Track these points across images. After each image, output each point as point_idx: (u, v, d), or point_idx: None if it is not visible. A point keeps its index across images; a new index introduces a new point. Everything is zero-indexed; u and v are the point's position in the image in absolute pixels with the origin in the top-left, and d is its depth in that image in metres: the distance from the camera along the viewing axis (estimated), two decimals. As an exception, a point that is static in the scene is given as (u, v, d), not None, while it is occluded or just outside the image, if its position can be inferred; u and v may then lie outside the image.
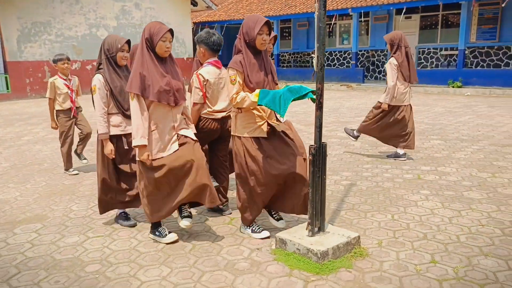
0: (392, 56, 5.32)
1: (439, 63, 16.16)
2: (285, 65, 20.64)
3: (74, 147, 5.37)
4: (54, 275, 2.71)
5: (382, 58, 17.52)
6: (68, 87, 5.17)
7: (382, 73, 17.65)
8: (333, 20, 17.83)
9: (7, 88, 14.18)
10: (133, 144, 2.95)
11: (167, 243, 3.12)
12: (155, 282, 2.60)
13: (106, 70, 3.35)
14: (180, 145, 3.01)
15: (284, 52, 20.68)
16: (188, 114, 3.26)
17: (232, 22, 19.80)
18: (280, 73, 16.94)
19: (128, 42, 3.40)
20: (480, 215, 3.58)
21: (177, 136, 3.03)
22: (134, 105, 2.92)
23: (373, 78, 17.92)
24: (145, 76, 2.89)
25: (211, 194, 2.97)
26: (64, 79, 5.17)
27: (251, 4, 20.89)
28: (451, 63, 15.83)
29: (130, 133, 3.18)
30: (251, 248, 3.03)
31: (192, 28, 19.48)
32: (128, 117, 3.32)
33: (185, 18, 18.67)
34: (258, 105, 2.89)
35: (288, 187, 3.12)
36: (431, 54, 16.35)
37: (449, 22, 15.94)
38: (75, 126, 5.33)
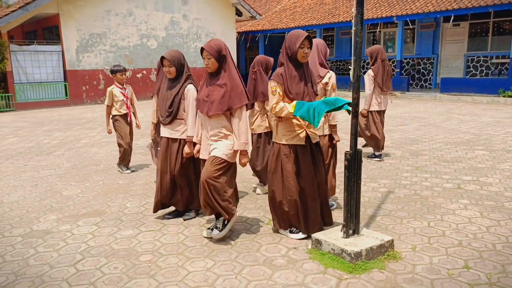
0: (370, 68, 5.93)
1: (490, 72, 15.53)
2: (327, 73, 20.61)
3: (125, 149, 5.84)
4: (113, 262, 3.06)
5: (428, 66, 17.12)
6: (124, 95, 5.69)
7: (428, 82, 17.24)
8: (378, 28, 17.68)
9: (66, 95, 15.34)
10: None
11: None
12: (201, 272, 2.87)
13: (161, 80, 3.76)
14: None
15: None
16: (237, 131, 3.25)
17: (276, 32, 20.13)
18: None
19: (166, 57, 3.58)
20: (521, 226, 3.56)
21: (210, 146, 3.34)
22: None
23: (418, 87, 17.52)
24: (199, 87, 3.46)
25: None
26: (120, 88, 5.70)
27: (295, 14, 21.11)
28: (502, 72, 15.17)
29: (174, 138, 3.77)
30: (288, 247, 3.24)
31: (236, 37, 20.04)
32: (162, 123, 3.79)
33: (230, 28, 19.28)
34: (294, 116, 3.11)
35: (307, 204, 3.35)
36: (481, 62, 15.75)
37: (501, 29, 15.31)
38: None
